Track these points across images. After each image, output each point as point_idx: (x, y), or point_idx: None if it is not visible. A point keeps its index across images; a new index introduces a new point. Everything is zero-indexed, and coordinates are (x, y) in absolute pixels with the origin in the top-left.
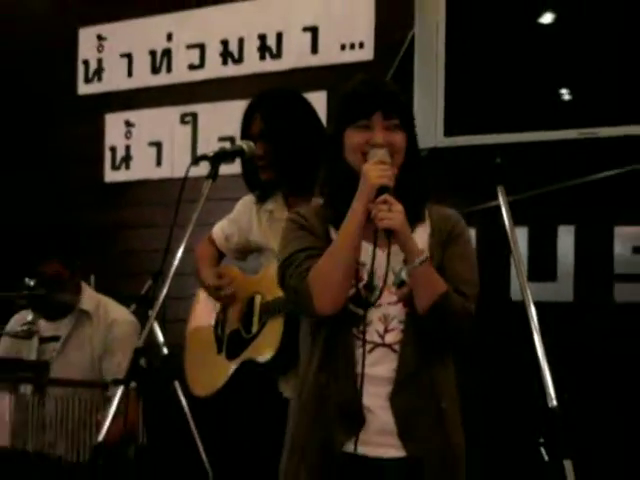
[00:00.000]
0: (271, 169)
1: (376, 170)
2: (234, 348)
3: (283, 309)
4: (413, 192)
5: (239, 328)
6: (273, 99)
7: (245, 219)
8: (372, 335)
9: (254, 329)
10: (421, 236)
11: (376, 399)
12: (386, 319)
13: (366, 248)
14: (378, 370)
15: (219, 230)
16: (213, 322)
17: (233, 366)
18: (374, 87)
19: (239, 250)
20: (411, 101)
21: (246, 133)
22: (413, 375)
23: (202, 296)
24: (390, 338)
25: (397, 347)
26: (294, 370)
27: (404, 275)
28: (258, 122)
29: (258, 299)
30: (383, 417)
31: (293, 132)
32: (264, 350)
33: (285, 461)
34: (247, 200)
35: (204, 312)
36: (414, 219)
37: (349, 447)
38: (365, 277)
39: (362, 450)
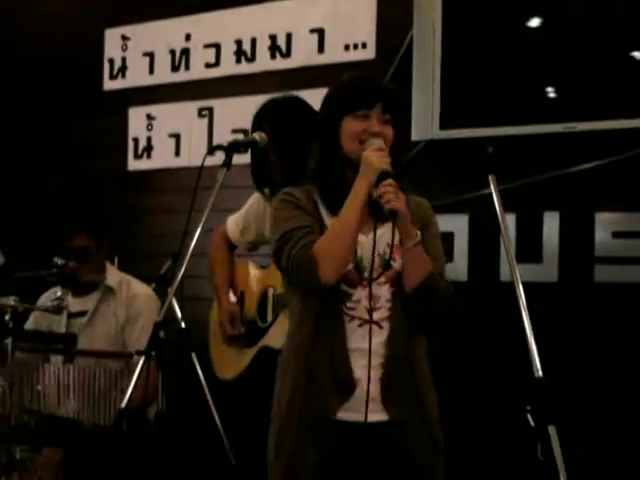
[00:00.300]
0: (279, 172)
1: (377, 156)
2: (252, 336)
3: None
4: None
5: (255, 318)
6: (277, 110)
7: (260, 212)
8: (361, 312)
9: (269, 319)
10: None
11: (363, 370)
12: (374, 298)
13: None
14: (365, 344)
15: (233, 224)
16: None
17: (252, 353)
18: (376, 82)
19: (253, 242)
20: (409, 98)
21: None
22: (398, 348)
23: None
24: (377, 315)
25: (384, 324)
26: None
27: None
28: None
29: (271, 292)
30: (369, 386)
31: (298, 140)
32: (278, 338)
33: (277, 431)
34: (255, 198)
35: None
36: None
37: (340, 414)
38: (357, 256)
39: (351, 416)
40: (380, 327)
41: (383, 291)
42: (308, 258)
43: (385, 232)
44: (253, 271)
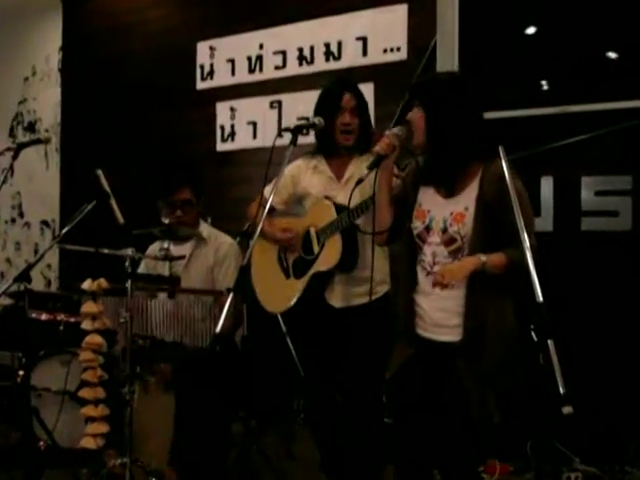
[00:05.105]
0: (355, 136)
1: (379, 142)
2: (300, 269)
3: (336, 228)
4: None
5: (301, 254)
6: (356, 86)
7: (296, 176)
8: (426, 265)
9: (315, 250)
10: (470, 193)
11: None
12: (434, 255)
13: (435, 198)
14: (429, 288)
15: (269, 188)
16: (276, 257)
17: (303, 282)
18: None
19: (286, 201)
20: None
21: (336, 105)
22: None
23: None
24: (436, 268)
25: None
26: (336, 282)
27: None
28: (350, 98)
29: (312, 230)
30: (434, 314)
31: (369, 112)
32: (329, 260)
33: None
34: (292, 165)
35: (264, 250)
36: (449, 176)
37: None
38: (427, 220)
39: (425, 334)
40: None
41: (440, 250)
42: None
43: (457, 200)
44: (290, 220)
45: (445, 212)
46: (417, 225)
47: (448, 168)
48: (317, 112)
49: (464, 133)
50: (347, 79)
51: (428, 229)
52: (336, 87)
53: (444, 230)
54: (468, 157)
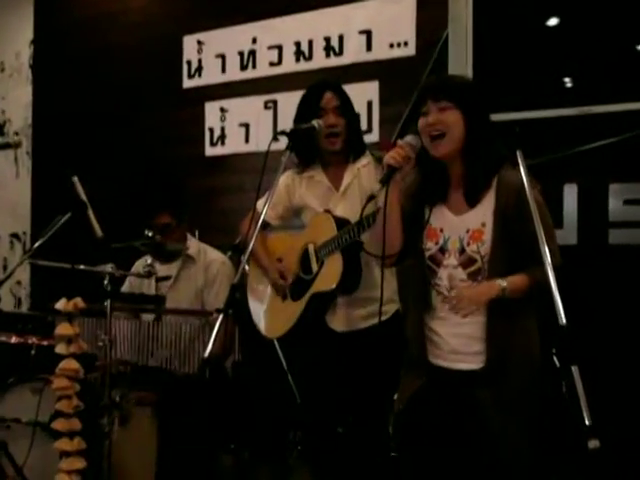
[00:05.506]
0: (342, 139)
1: (392, 151)
2: (298, 291)
3: (337, 246)
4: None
5: (299, 274)
6: (337, 84)
7: (290, 186)
8: (442, 289)
9: (314, 269)
10: (486, 207)
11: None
12: (451, 278)
13: (446, 215)
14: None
15: (263, 202)
16: None
17: (302, 304)
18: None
19: (282, 216)
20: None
21: (316, 106)
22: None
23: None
24: (454, 293)
25: None
26: (338, 304)
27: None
28: (332, 97)
29: (311, 247)
30: (451, 340)
31: (355, 111)
32: (329, 280)
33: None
34: (285, 176)
35: (259, 274)
36: (480, 186)
37: (432, 359)
38: (441, 240)
39: (439, 362)
40: None
41: (458, 272)
42: None
43: (472, 216)
44: (287, 237)
45: (460, 230)
46: (430, 246)
47: (480, 178)
48: (297, 119)
49: (496, 138)
50: (327, 78)
51: (443, 250)
52: (314, 88)
53: (461, 251)
54: (500, 164)
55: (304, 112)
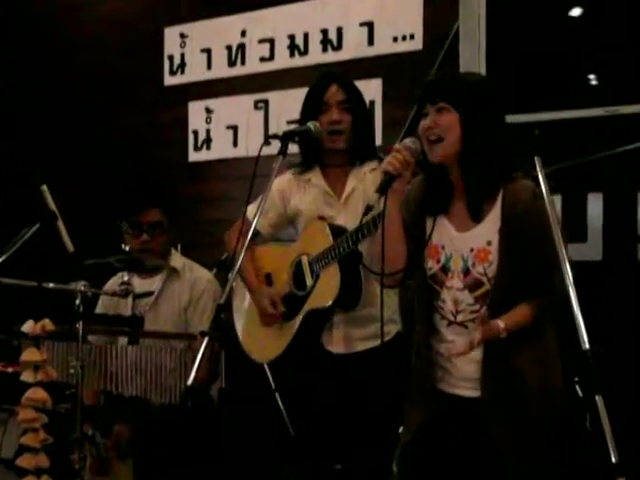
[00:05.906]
0: (347, 137)
1: (388, 156)
2: (291, 309)
3: (333, 257)
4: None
5: (291, 291)
6: (345, 76)
7: (286, 191)
8: (447, 314)
9: (308, 284)
10: (492, 224)
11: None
12: (456, 302)
13: (448, 231)
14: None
15: (254, 209)
16: None
17: (296, 323)
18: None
19: (275, 224)
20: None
21: (319, 100)
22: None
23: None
24: (461, 317)
25: (469, 324)
26: (335, 323)
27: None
28: (337, 91)
29: (305, 259)
30: (463, 366)
31: (366, 108)
32: (325, 296)
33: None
34: (281, 179)
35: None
36: (481, 197)
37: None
38: (442, 259)
39: (449, 389)
40: (465, 327)
41: (464, 295)
42: None
43: (476, 233)
44: (278, 249)
45: (464, 249)
46: (431, 265)
47: (481, 188)
48: (303, 116)
49: (505, 144)
50: (334, 70)
51: (445, 270)
52: (320, 80)
53: (466, 272)
54: (506, 174)
55: (307, 107)
